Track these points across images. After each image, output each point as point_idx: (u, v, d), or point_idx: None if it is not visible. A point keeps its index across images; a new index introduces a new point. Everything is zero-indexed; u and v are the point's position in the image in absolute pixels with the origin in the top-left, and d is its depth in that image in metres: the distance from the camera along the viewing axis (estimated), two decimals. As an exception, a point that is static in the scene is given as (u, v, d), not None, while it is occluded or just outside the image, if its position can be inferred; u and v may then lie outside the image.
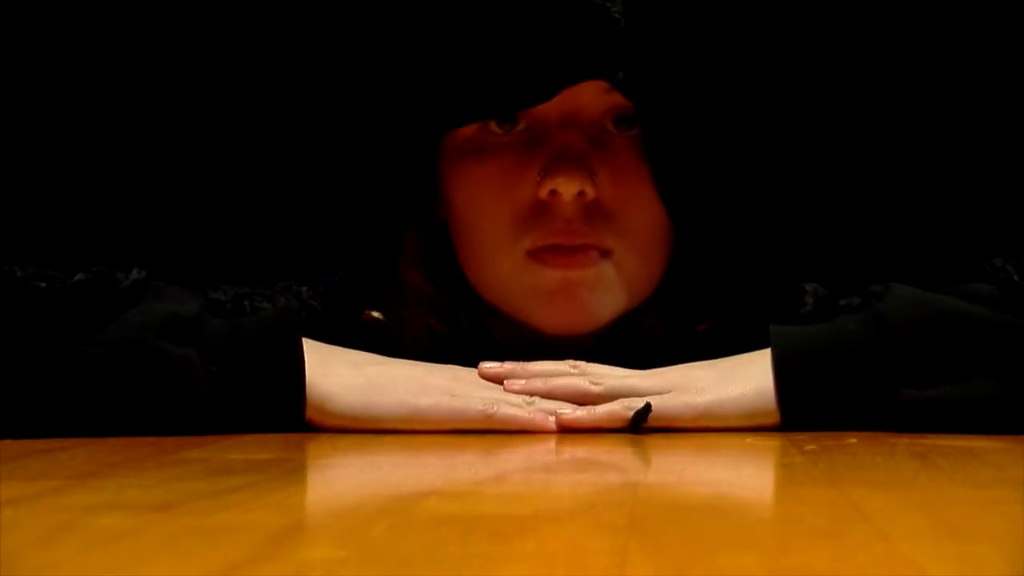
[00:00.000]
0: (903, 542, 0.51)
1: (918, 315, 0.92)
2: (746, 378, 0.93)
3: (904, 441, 0.85)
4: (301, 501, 0.66)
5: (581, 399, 0.94)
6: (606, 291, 0.99)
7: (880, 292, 0.95)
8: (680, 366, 0.96)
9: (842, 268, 1.09)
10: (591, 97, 0.99)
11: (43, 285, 0.91)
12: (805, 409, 0.92)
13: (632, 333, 1.05)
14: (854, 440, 0.87)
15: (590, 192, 0.97)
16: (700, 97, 1.03)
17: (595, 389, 0.94)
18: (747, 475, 0.78)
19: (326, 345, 0.96)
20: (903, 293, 0.94)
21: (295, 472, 0.77)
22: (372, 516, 0.58)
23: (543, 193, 0.98)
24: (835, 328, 0.94)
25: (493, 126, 1.00)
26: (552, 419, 0.92)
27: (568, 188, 0.97)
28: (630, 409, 0.92)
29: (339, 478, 0.78)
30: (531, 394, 0.95)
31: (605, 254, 0.99)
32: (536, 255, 0.98)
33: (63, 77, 1.36)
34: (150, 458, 0.80)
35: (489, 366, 0.97)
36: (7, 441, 0.87)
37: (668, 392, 0.93)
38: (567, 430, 0.92)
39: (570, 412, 0.92)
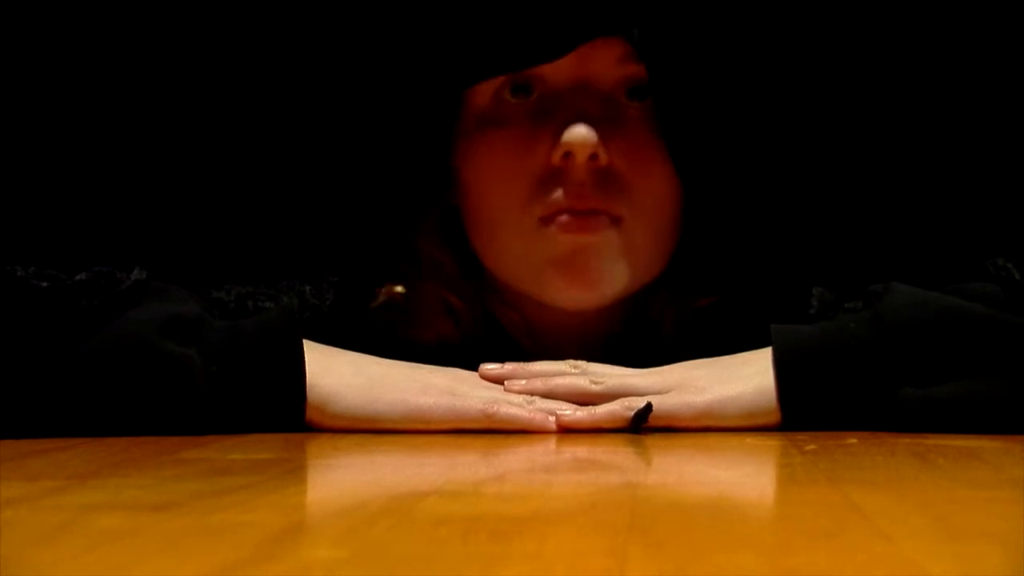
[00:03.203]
0: (903, 542, 0.51)
1: (918, 314, 0.92)
2: (746, 377, 0.93)
3: (904, 441, 0.85)
4: (301, 501, 0.66)
5: (581, 398, 0.94)
6: (616, 259, 1.00)
7: (880, 291, 0.95)
8: (680, 364, 0.97)
9: (846, 269, 1.10)
10: (604, 66, 1.00)
11: (44, 285, 0.91)
12: (806, 408, 0.92)
13: (642, 326, 1.05)
14: (854, 440, 0.87)
15: (603, 156, 0.98)
16: (713, 63, 1.04)
17: (595, 388, 0.94)
18: (747, 475, 0.78)
19: (327, 346, 0.96)
20: (903, 292, 0.94)
21: (295, 472, 0.77)
22: (372, 516, 0.58)
23: (556, 157, 0.99)
24: (836, 327, 0.94)
25: (507, 95, 1.02)
26: (552, 419, 0.92)
27: (582, 150, 0.98)
28: (630, 409, 0.92)
29: (339, 478, 0.78)
30: (531, 394, 0.95)
31: (615, 221, 0.99)
32: (547, 221, 0.99)
33: (63, 77, 1.36)
34: (150, 458, 0.80)
35: (490, 367, 0.97)
36: (7, 441, 0.87)
37: (668, 391, 0.93)
38: (568, 431, 0.92)
39: (570, 413, 0.92)
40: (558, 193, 0.99)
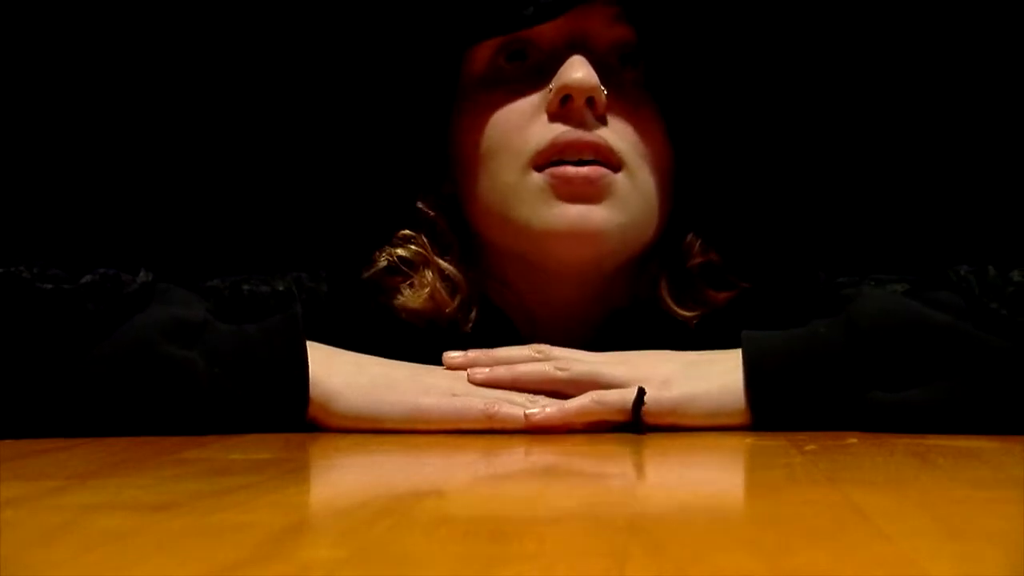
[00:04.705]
0: (903, 542, 0.51)
1: (886, 320, 0.92)
2: (714, 376, 0.93)
3: (904, 441, 0.85)
4: (301, 501, 0.66)
5: (547, 385, 0.94)
6: (616, 201, 1.00)
7: (852, 295, 0.96)
8: (647, 354, 0.96)
9: (837, 259, 1.10)
10: (596, 29, 1.02)
11: (49, 287, 0.91)
12: (777, 410, 0.92)
13: (635, 309, 1.05)
14: (854, 440, 0.87)
15: (601, 100, 0.99)
16: (702, 26, 1.06)
17: (561, 375, 0.94)
18: (747, 475, 0.78)
19: (329, 347, 0.96)
20: (874, 297, 0.95)
21: (295, 472, 0.77)
22: (372, 516, 0.58)
23: (554, 103, 0.99)
24: (807, 332, 0.94)
25: (502, 61, 1.03)
26: (548, 411, 0.92)
27: (580, 92, 0.98)
28: (600, 403, 0.92)
29: (340, 478, 0.78)
30: (496, 384, 0.95)
31: (615, 169, 1.00)
32: (546, 162, 0.99)
33: (64, 77, 1.36)
34: (150, 458, 0.80)
35: (453, 355, 0.97)
36: (7, 441, 0.87)
37: (634, 382, 0.93)
38: (570, 430, 0.92)
39: (539, 411, 0.92)
40: (558, 129, 0.99)
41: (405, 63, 1.07)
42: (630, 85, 1.02)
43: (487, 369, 0.96)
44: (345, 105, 1.26)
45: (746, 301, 1.05)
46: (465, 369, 0.96)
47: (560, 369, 0.94)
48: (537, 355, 0.96)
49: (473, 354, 0.97)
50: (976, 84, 1.33)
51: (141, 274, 0.95)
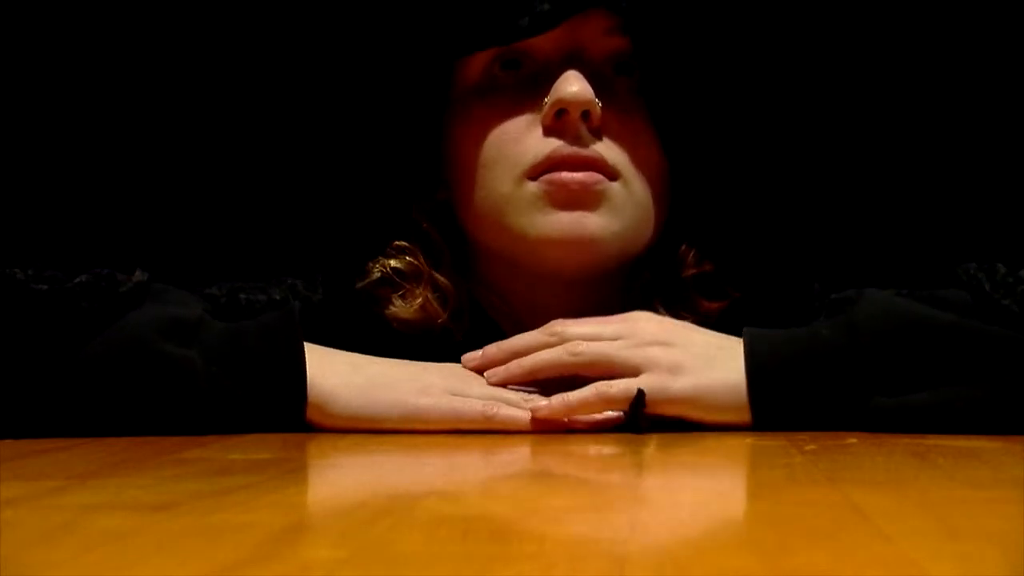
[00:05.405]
0: (903, 542, 0.51)
1: (889, 322, 0.92)
2: (724, 370, 0.93)
3: (904, 441, 0.85)
4: (301, 501, 0.66)
5: (562, 372, 0.94)
6: (611, 209, 1.00)
7: (854, 297, 0.95)
8: (656, 329, 0.95)
9: (826, 269, 1.10)
10: (591, 39, 1.02)
11: (44, 287, 0.91)
12: (776, 412, 0.92)
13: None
14: (854, 440, 0.87)
15: (596, 113, 1.00)
16: (698, 37, 1.06)
17: (575, 360, 0.94)
18: (747, 475, 0.78)
19: (326, 347, 0.96)
20: (876, 299, 0.94)
21: (295, 472, 0.77)
22: (372, 516, 0.58)
23: (549, 116, 0.99)
24: (808, 333, 0.94)
25: (497, 70, 1.03)
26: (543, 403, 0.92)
27: (575, 105, 0.99)
28: (602, 396, 0.91)
29: (339, 478, 0.78)
30: (512, 381, 0.95)
31: (611, 178, 1.00)
32: (543, 171, 0.99)
33: (63, 77, 1.36)
34: (150, 458, 0.80)
35: (471, 357, 0.97)
36: (7, 441, 0.87)
37: (644, 365, 0.92)
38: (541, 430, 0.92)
39: (545, 404, 0.92)
40: (553, 144, 0.99)
41: (399, 72, 1.07)
42: (624, 94, 1.03)
43: (502, 369, 0.96)
44: (340, 113, 1.26)
45: (739, 311, 1.05)
46: (483, 371, 0.96)
47: (572, 354, 0.94)
48: (551, 339, 0.96)
49: (490, 351, 0.97)
50: (968, 92, 1.32)
51: (136, 273, 0.95)
